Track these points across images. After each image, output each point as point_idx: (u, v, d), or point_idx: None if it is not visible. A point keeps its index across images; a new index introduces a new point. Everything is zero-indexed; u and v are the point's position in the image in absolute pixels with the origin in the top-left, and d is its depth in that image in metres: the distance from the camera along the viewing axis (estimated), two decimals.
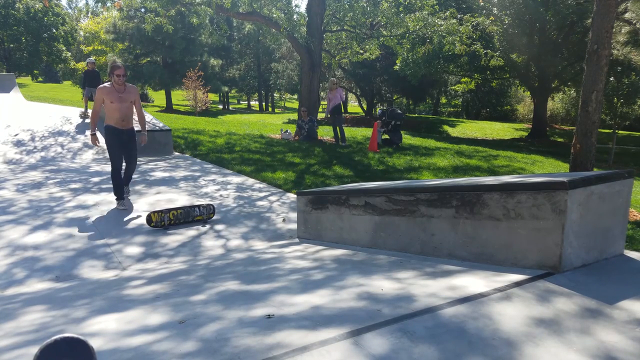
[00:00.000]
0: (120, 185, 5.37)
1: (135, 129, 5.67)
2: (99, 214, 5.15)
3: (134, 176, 7.34)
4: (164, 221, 4.78)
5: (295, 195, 5.13)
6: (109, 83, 5.16)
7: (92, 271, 3.73)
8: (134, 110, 5.44)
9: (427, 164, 9.20)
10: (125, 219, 5.04)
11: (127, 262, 3.94)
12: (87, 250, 4.11)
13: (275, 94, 52.89)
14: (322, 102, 28.54)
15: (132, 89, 5.31)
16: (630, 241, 4.24)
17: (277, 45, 31.17)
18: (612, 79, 16.54)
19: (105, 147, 5.37)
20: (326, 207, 4.13)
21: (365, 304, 2.11)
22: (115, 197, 5.38)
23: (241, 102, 59.46)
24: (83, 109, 13.69)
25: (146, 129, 5.34)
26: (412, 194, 3.13)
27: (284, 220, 5.31)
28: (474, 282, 2.29)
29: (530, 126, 23.06)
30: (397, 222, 3.29)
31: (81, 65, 39.42)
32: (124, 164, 5.45)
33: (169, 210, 4.87)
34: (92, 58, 15.61)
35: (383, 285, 2.39)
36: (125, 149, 5.38)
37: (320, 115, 25.00)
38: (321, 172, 7.86)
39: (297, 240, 4.61)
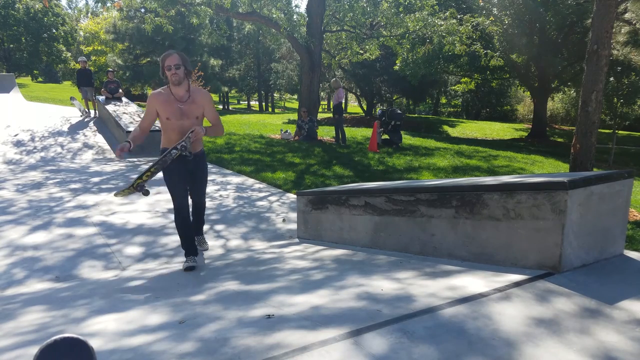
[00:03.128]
0: (188, 235, 3.62)
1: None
2: (99, 214, 5.14)
3: (132, 176, 7.35)
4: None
5: (295, 196, 5.12)
6: (165, 87, 3.44)
7: (92, 271, 3.73)
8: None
9: (427, 164, 9.20)
10: (125, 219, 5.04)
11: (126, 262, 3.94)
12: (87, 250, 4.11)
13: (275, 94, 52.88)
14: (322, 102, 28.53)
15: (199, 94, 3.48)
16: (630, 241, 4.24)
17: (277, 46, 31.14)
18: (612, 79, 16.53)
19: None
20: (326, 207, 4.13)
21: (365, 304, 2.11)
22: (184, 253, 3.64)
23: (241, 102, 59.45)
24: (83, 108, 13.72)
25: (210, 134, 3.55)
26: (412, 194, 3.13)
27: (283, 220, 5.31)
28: (473, 282, 2.29)
29: (530, 126, 23.05)
30: (397, 222, 3.29)
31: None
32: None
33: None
34: (83, 57, 15.63)
35: (383, 285, 2.39)
36: (190, 180, 3.64)
37: (322, 115, 25.00)
38: (321, 172, 7.86)
39: (297, 240, 4.61)
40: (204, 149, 3.80)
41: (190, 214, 3.77)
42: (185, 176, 3.55)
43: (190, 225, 3.72)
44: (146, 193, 3.42)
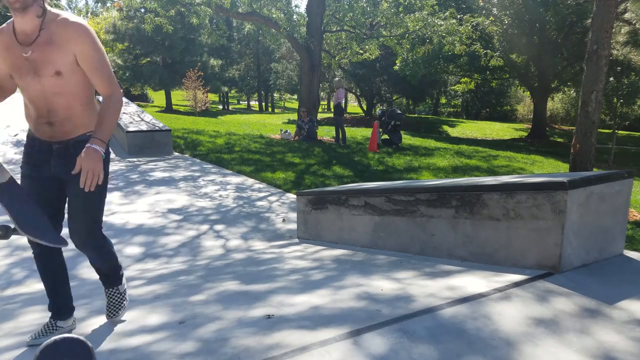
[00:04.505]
0: (47, 283, 2.14)
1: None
2: None
3: (132, 176, 7.38)
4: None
5: (295, 196, 5.13)
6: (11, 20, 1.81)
7: (92, 271, 3.72)
8: (79, 88, 1.85)
9: (426, 164, 9.20)
10: (125, 219, 5.04)
11: (126, 262, 3.94)
12: None
13: (275, 94, 52.88)
14: (322, 102, 28.53)
15: (63, 28, 1.75)
16: (630, 241, 4.24)
17: (277, 46, 31.19)
18: (611, 79, 16.53)
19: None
20: (326, 207, 4.13)
21: (365, 304, 2.11)
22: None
23: (241, 102, 59.44)
24: None
25: (109, 133, 1.82)
26: (412, 194, 3.13)
27: (283, 220, 5.31)
28: (473, 282, 2.29)
29: (530, 126, 23.05)
30: (397, 222, 3.29)
31: None
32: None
33: None
34: None
35: (383, 285, 2.39)
36: (55, 190, 1.98)
37: (322, 115, 25.02)
38: (321, 172, 7.86)
39: (296, 240, 4.61)
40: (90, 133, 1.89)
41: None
42: (44, 188, 1.97)
43: (53, 266, 2.10)
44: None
